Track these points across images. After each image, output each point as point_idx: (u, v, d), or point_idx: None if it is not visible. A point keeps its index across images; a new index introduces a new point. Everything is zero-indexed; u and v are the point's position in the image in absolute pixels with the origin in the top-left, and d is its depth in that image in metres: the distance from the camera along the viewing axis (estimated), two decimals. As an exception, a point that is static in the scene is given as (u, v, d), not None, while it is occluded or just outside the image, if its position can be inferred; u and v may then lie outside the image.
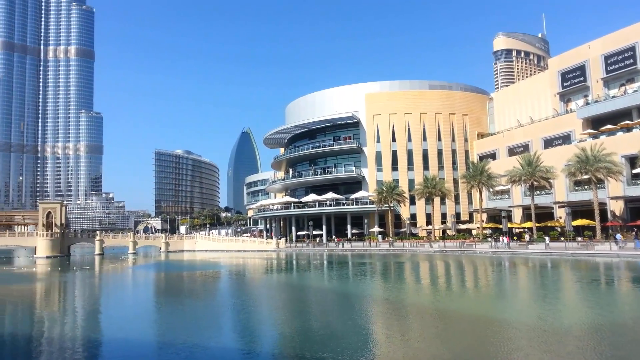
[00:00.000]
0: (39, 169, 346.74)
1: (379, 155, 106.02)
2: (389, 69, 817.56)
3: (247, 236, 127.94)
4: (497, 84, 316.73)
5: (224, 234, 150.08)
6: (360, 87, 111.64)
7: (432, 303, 29.13)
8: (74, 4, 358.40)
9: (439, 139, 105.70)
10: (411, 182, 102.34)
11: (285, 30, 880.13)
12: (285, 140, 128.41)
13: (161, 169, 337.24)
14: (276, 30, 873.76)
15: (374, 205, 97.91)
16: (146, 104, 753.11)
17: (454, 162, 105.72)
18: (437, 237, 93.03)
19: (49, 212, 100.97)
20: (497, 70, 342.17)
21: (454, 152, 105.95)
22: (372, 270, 53.40)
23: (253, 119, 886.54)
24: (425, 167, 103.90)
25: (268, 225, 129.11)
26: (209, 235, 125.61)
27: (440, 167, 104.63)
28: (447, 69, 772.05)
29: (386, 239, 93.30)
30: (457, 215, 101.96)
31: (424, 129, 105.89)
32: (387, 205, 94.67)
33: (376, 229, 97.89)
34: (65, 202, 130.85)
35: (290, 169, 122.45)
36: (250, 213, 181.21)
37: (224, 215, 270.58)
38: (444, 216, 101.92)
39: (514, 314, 24.70)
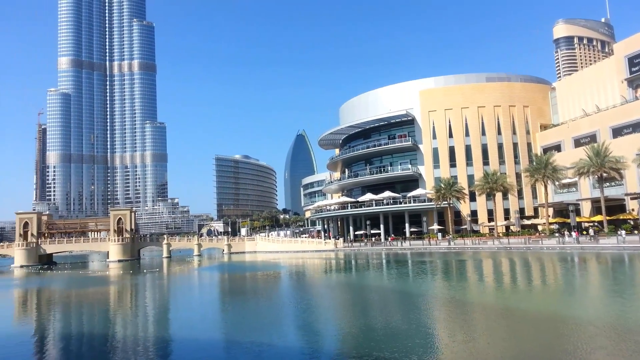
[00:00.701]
0: (109, 178, 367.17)
1: (435, 152, 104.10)
2: (443, 65, 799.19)
3: (305, 237, 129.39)
4: (559, 73, 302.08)
5: (283, 235, 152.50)
6: (414, 84, 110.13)
7: (498, 301, 28.35)
8: (135, 20, 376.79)
9: (499, 133, 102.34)
10: (470, 177, 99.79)
11: (336, 32, 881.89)
12: (340, 141, 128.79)
13: (221, 173, 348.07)
14: (326, 33, 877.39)
15: (432, 203, 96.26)
16: (205, 111, 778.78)
17: (516, 156, 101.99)
18: (500, 234, 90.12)
19: (120, 218, 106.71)
20: (558, 58, 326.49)
21: (515, 145, 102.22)
22: (433, 268, 52.57)
23: (307, 122, 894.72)
24: (485, 162, 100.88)
25: (325, 226, 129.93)
26: (268, 236, 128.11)
27: (501, 161, 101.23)
28: (504, 60, 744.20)
29: (446, 236, 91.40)
30: (521, 210, 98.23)
31: (482, 123, 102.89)
32: (446, 202, 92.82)
33: (435, 226, 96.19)
34: (134, 208, 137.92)
35: (346, 169, 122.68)
36: (307, 214, 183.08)
37: (282, 217, 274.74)
38: (506, 212, 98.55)
39: (591, 311, 23.37)
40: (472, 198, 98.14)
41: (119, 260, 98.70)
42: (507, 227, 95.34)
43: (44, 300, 41.58)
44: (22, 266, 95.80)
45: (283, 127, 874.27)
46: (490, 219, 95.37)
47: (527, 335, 18.85)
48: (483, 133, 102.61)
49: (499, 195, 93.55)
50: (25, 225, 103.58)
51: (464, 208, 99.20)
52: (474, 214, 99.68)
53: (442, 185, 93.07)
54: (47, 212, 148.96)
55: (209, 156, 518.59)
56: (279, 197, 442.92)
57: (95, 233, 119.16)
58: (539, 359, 15.47)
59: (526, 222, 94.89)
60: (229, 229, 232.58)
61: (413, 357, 15.73)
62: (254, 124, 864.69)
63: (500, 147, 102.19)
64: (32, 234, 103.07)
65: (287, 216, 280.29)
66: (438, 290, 34.12)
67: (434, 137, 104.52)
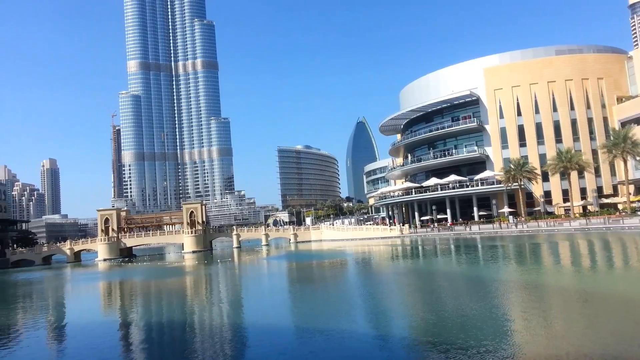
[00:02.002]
0: (179, 174, 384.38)
1: (503, 131, 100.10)
2: (508, 41, 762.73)
3: (369, 224, 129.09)
4: (637, 41, 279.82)
5: (347, 223, 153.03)
6: (477, 62, 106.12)
7: (577, 285, 26.96)
8: (196, 20, 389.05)
9: (572, 108, 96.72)
10: (542, 157, 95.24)
11: (392, 14, 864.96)
12: (402, 126, 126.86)
13: (284, 164, 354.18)
14: (382, 15, 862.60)
15: (501, 185, 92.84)
16: (265, 104, 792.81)
17: (591, 132, 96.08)
18: (576, 215, 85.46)
19: (192, 212, 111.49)
20: (634, 25, 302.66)
21: (590, 120, 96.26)
22: (505, 252, 50.85)
23: (367, 108, 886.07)
24: (558, 139, 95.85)
25: (390, 212, 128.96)
26: (333, 225, 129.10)
27: (575, 138, 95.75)
28: (575, 31, 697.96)
29: (518, 219, 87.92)
30: (599, 189, 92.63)
31: (552, 98, 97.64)
32: (516, 183, 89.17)
33: (506, 209, 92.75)
34: (204, 201, 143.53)
35: (409, 155, 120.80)
36: (371, 201, 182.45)
37: (345, 205, 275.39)
38: (583, 191, 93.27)
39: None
40: (545, 178, 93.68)
41: (193, 251, 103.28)
42: (584, 208, 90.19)
43: (129, 290, 44.42)
44: (105, 259, 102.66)
45: (343, 115, 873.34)
46: (566, 200, 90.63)
47: (608, 321, 17.83)
48: (554, 109, 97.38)
49: (574, 174, 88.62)
50: (106, 221, 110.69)
51: (537, 189, 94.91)
52: (547, 194, 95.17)
53: (512, 166, 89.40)
54: (125, 208, 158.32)
55: (271, 148, 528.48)
56: (342, 186, 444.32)
57: (170, 226, 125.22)
58: (621, 345, 14.61)
59: (605, 201, 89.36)
60: (294, 219, 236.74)
61: (487, 344, 15.37)
62: (314, 114, 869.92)
63: (573, 123, 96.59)
64: (112, 229, 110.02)
65: (351, 204, 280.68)
66: (511, 275, 32.97)
67: (501, 116, 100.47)
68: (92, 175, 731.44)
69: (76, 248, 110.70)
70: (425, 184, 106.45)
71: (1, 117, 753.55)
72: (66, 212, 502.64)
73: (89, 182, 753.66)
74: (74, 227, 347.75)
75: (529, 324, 17.97)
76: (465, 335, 16.58)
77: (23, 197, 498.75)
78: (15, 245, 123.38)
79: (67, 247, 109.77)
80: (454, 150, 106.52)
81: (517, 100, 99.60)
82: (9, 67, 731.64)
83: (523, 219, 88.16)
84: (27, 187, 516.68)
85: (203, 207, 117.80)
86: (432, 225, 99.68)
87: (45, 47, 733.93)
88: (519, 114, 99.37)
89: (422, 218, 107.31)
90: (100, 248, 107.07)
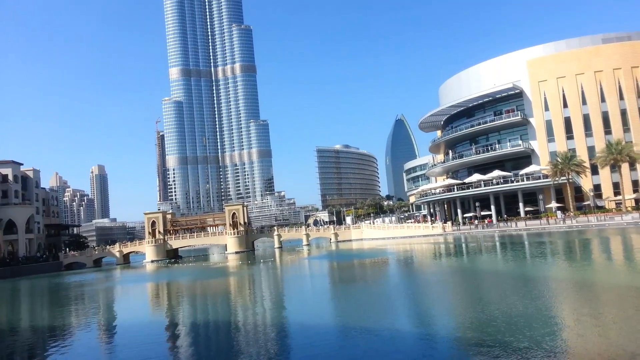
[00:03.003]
0: (221, 176, 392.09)
1: (549, 124, 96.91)
2: (551, 31, 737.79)
3: (410, 222, 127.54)
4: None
5: (388, 221, 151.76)
6: (519, 54, 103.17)
7: (631, 283, 25.70)
8: (234, 25, 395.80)
9: (621, 98, 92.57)
10: (591, 149, 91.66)
11: (429, 10, 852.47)
12: (442, 122, 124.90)
13: (323, 164, 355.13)
14: (419, 11, 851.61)
15: (548, 179, 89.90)
16: (303, 105, 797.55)
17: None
18: (628, 208, 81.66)
19: (234, 213, 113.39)
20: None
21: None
22: (554, 249, 49.11)
23: (406, 106, 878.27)
24: (607, 131, 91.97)
25: (432, 210, 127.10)
26: (373, 224, 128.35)
27: (626, 129, 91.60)
28: (621, 19, 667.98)
29: (566, 214, 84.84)
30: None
31: (600, 89, 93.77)
32: (564, 177, 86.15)
33: (553, 204, 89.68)
34: (245, 203, 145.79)
35: (450, 151, 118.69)
36: (412, 199, 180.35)
37: (385, 203, 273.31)
38: (635, 184, 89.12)
39: None
40: (594, 171, 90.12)
41: (236, 252, 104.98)
42: (637, 201, 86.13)
43: (177, 290, 45.61)
44: (152, 261, 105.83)
45: (381, 114, 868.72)
46: (617, 193, 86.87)
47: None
48: (602, 100, 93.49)
49: (625, 166, 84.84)
50: (153, 224, 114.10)
51: (586, 183, 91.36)
52: (597, 188, 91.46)
53: (559, 160, 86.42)
54: (171, 211, 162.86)
55: (310, 148, 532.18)
56: (382, 184, 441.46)
57: (213, 228, 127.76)
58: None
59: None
60: (334, 218, 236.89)
61: (536, 344, 14.87)
62: (352, 113, 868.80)
63: (623, 113, 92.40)
64: (159, 232, 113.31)
65: (391, 202, 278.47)
66: (561, 273, 31.80)
67: (546, 108, 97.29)
68: (139, 179, 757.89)
69: (125, 250, 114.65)
70: (467, 180, 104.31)
71: (52, 125, 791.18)
72: (115, 216, 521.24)
73: (135, 186, 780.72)
74: (122, 230, 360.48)
75: (580, 324, 17.28)
76: (513, 335, 16.11)
77: (74, 203, 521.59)
78: (67, 249, 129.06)
79: (116, 249, 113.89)
80: (497, 145, 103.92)
81: (563, 91, 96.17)
82: (58, 77, 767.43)
83: (572, 214, 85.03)
84: (78, 193, 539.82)
85: (244, 208, 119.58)
86: (475, 222, 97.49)
87: (92, 57, 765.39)
88: (565, 105, 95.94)
89: (465, 215, 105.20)
90: (147, 250, 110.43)
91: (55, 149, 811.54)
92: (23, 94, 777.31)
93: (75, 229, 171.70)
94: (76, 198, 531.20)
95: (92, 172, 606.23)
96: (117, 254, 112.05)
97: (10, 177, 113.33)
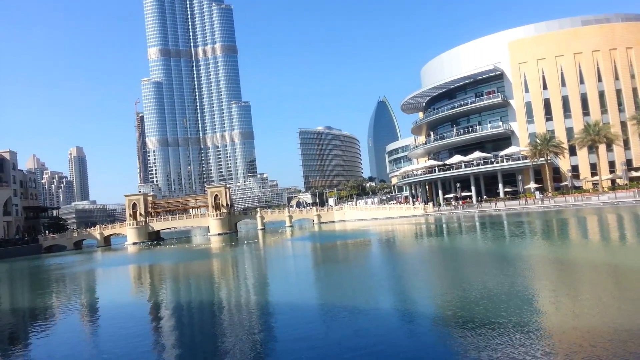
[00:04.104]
0: (203, 158, 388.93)
1: (528, 106, 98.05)
2: (531, 13, 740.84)
3: (392, 203, 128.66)
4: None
5: (370, 203, 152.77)
6: (500, 35, 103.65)
7: (606, 260, 26.49)
8: (214, 4, 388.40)
9: (599, 80, 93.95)
10: (569, 130, 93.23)
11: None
12: (424, 104, 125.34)
13: (305, 146, 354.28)
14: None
15: (527, 161, 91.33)
16: (285, 87, 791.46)
17: (620, 104, 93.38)
18: (605, 189, 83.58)
19: (216, 195, 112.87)
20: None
21: (618, 92, 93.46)
22: (532, 229, 50.21)
23: (388, 88, 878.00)
24: (585, 112, 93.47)
25: (413, 191, 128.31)
26: (356, 205, 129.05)
27: (603, 110, 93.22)
28: (601, 1, 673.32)
29: (545, 194, 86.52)
30: (628, 162, 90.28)
31: (579, 71, 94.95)
32: (542, 158, 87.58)
33: (532, 185, 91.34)
34: (227, 185, 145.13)
35: (431, 132, 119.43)
36: (394, 180, 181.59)
37: (368, 185, 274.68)
38: (611, 165, 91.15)
39: None
40: (572, 152, 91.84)
41: (219, 234, 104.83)
42: (613, 181, 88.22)
43: (160, 272, 45.49)
44: (134, 243, 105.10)
45: (364, 96, 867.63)
46: (594, 174, 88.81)
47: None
48: (581, 82, 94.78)
49: (602, 148, 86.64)
50: (134, 206, 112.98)
51: (564, 164, 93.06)
52: (574, 169, 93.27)
53: (538, 141, 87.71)
54: (152, 193, 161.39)
55: (292, 130, 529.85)
56: (364, 166, 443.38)
57: (196, 210, 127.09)
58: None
59: (635, 174, 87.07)
60: (317, 200, 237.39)
61: (515, 320, 15.29)
62: (334, 95, 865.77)
63: (601, 95, 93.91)
64: (140, 214, 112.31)
65: (374, 184, 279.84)
66: (538, 251, 32.57)
67: (526, 90, 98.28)
68: (118, 161, 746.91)
69: (106, 233, 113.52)
70: (448, 161, 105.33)
71: (28, 107, 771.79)
72: (94, 198, 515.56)
73: (115, 168, 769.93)
74: (102, 213, 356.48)
75: (558, 300, 17.80)
76: (493, 312, 16.53)
77: (52, 185, 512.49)
78: (47, 232, 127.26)
79: (97, 232, 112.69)
80: (478, 127, 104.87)
81: (543, 73, 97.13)
82: (32, 59, 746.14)
83: (550, 194, 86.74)
84: (56, 175, 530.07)
85: (227, 190, 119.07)
86: (455, 203, 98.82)
87: (68, 37, 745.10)
88: (545, 87, 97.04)
89: (445, 196, 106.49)
90: (129, 232, 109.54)
91: (32, 131, 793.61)
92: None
93: (54, 211, 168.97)
94: (55, 180, 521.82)
95: (70, 154, 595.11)
96: (98, 237, 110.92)
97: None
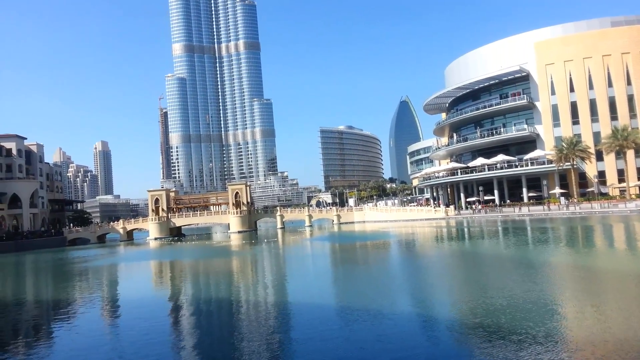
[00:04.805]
0: (224, 155, 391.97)
1: (555, 108, 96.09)
2: (559, 14, 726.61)
3: (413, 205, 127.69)
4: None
5: (390, 204, 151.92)
6: (527, 36, 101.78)
7: (633, 270, 25.74)
8: (238, 0, 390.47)
9: (629, 83, 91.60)
10: (596, 135, 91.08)
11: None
12: (447, 105, 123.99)
13: (326, 145, 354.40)
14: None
15: (552, 165, 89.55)
16: (308, 85, 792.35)
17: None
18: (632, 196, 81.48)
19: (237, 192, 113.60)
20: None
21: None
22: (556, 235, 49.20)
23: (411, 87, 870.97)
24: (613, 116, 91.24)
25: (434, 193, 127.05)
26: (376, 206, 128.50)
27: (632, 115, 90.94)
28: (632, 2, 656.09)
29: (570, 200, 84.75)
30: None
31: (608, 73, 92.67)
32: (568, 163, 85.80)
33: (557, 190, 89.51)
34: (248, 182, 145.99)
35: (454, 134, 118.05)
36: (415, 182, 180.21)
37: (388, 186, 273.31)
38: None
39: None
40: (599, 158, 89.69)
41: (239, 231, 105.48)
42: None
43: (181, 268, 45.99)
44: (156, 238, 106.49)
45: (386, 95, 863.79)
46: (621, 180, 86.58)
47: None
48: (610, 85, 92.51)
49: (630, 153, 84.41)
50: (156, 201, 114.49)
51: (590, 169, 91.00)
52: (601, 175, 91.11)
53: (564, 145, 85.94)
54: (174, 189, 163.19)
55: (314, 129, 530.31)
56: (385, 166, 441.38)
57: (216, 207, 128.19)
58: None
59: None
60: (337, 200, 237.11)
61: (536, 328, 14.94)
62: (356, 94, 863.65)
63: (630, 99, 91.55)
64: (162, 209, 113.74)
65: (394, 185, 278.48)
66: (562, 258, 31.87)
67: (553, 92, 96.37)
68: (142, 156, 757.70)
69: (129, 227, 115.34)
70: (471, 164, 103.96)
71: (55, 101, 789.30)
72: (118, 192, 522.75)
73: (139, 163, 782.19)
74: (125, 207, 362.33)
75: (584, 310, 17.34)
76: (518, 321, 16.18)
77: (77, 179, 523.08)
78: (71, 225, 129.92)
79: (120, 226, 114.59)
80: (502, 129, 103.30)
81: (570, 75, 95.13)
82: (60, 53, 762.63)
83: (575, 200, 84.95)
84: (81, 169, 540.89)
85: (247, 188, 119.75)
86: (478, 207, 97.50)
87: (95, 32, 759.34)
88: (572, 90, 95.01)
89: (468, 199, 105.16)
90: (151, 227, 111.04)
91: (58, 124, 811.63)
92: (27, 69, 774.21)
93: (79, 204, 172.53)
94: (80, 174, 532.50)
95: (95, 149, 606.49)
96: (121, 231, 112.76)
97: (14, 151, 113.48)
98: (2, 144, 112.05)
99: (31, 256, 75.75)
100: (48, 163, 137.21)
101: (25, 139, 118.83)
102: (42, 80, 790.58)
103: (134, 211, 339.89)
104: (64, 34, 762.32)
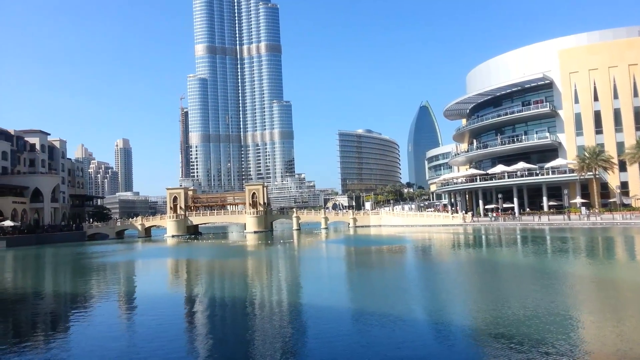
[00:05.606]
0: (242, 156, 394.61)
1: (578, 117, 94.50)
2: (584, 21, 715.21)
3: (430, 211, 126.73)
4: None
5: (407, 209, 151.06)
6: (551, 43, 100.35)
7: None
8: (261, 3, 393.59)
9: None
10: (620, 145, 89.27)
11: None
12: (467, 111, 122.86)
13: (344, 148, 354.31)
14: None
15: (574, 174, 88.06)
16: (327, 88, 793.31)
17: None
18: (657, 208, 79.58)
19: (254, 193, 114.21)
20: None
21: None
22: (576, 245, 48.29)
23: (431, 92, 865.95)
24: (638, 127, 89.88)
25: (452, 200, 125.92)
26: (393, 210, 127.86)
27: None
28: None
29: (591, 210, 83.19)
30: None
31: (634, 83, 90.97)
32: (590, 173, 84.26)
33: (578, 200, 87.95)
34: (265, 183, 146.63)
35: (474, 140, 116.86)
36: (432, 187, 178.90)
37: (406, 190, 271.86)
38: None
39: None
40: (622, 168, 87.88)
41: (255, 232, 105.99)
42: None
43: (197, 265, 46.37)
44: (173, 236, 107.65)
45: (405, 100, 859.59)
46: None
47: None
48: (635, 94, 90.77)
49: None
50: (175, 199, 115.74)
51: (613, 179, 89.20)
52: (624, 185, 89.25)
53: (587, 154, 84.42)
54: (192, 188, 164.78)
55: (332, 132, 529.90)
56: (403, 171, 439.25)
57: (233, 206, 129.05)
58: None
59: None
60: (353, 203, 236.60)
61: (552, 340, 14.65)
62: (376, 98, 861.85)
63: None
64: (180, 207, 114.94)
65: (411, 190, 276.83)
66: (582, 270, 31.27)
67: (576, 101, 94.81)
68: (162, 155, 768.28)
69: (147, 224, 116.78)
70: (491, 171, 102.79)
71: (78, 98, 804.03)
72: (137, 189, 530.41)
73: (158, 161, 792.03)
74: (144, 204, 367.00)
75: (598, 322, 16.98)
76: (528, 330, 15.92)
77: (98, 175, 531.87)
78: (91, 220, 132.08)
79: (138, 222, 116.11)
80: (523, 137, 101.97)
81: (594, 84, 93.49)
82: (84, 51, 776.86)
83: (597, 210, 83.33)
84: (102, 165, 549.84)
85: (264, 188, 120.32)
86: (496, 214, 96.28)
87: (119, 31, 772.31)
88: (596, 98, 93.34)
89: (486, 206, 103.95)
90: (169, 225, 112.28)
91: (82, 121, 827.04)
92: (53, 66, 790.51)
93: (99, 200, 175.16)
94: (101, 170, 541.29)
95: (116, 146, 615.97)
96: (140, 227, 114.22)
97: (37, 147, 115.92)
98: (26, 139, 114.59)
99: (51, 249, 77.20)
100: (70, 159, 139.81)
101: (49, 134, 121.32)
102: (67, 78, 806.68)
103: (152, 208, 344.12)
104: (90, 33, 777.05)
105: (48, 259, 63.34)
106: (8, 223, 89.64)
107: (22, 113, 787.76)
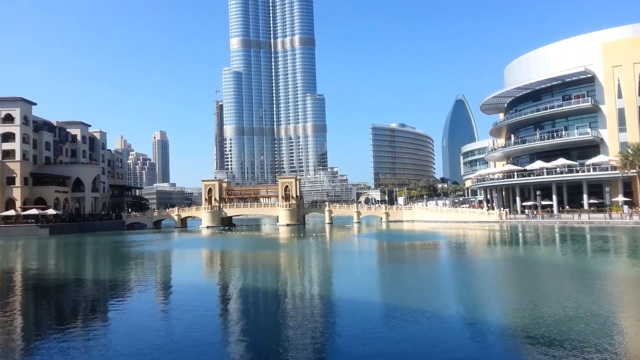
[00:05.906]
0: (275, 149, 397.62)
1: (621, 112, 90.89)
2: (628, 13, 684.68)
3: (465, 207, 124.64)
4: None
5: (441, 204, 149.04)
6: (593, 36, 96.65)
7: None
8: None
9: None
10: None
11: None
12: (505, 105, 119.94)
13: (378, 142, 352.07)
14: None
15: (616, 171, 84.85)
16: (361, 81, 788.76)
17: None
18: None
19: (286, 186, 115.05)
20: None
21: None
22: (618, 245, 46.61)
23: (467, 86, 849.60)
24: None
25: (488, 196, 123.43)
26: (426, 205, 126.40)
27: None
28: None
29: (634, 209, 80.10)
30: None
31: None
32: (634, 170, 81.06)
33: (620, 198, 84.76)
34: (298, 176, 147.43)
35: (512, 135, 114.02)
36: (467, 183, 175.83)
37: (440, 186, 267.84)
38: None
39: None
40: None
41: (287, 225, 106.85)
42: None
43: (231, 256, 47.15)
44: (208, 227, 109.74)
45: (440, 93, 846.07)
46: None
47: None
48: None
49: None
50: (209, 191, 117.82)
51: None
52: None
53: (630, 151, 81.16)
54: (226, 180, 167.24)
55: (365, 126, 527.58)
56: (437, 166, 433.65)
57: (266, 199, 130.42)
58: None
59: None
60: (386, 198, 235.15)
61: (591, 341, 14.20)
62: (410, 92, 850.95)
63: None
64: (215, 199, 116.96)
65: (446, 185, 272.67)
66: (623, 270, 30.15)
67: (620, 96, 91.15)
68: (197, 147, 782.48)
69: (183, 215, 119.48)
70: (529, 167, 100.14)
71: (118, 90, 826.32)
72: (174, 181, 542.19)
73: (194, 153, 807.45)
74: (180, 195, 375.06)
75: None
76: (569, 331, 15.47)
77: (137, 166, 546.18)
78: (129, 210, 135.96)
79: (175, 213, 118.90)
80: (563, 132, 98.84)
81: (639, 78, 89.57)
82: (125, 45, 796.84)
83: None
84: (141, 157, 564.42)
85: (297, 182, 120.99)
86: (535, 212, 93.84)
87: (158, 27, 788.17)
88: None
89: (524, 203, 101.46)
90: (204, 216, 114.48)
91: (121, 113, 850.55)
92: (96, 60, 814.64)
93: (137, 190, 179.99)
94: (139, 161, 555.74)
95: (154, 138, 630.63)
96: (176, 218, 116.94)
97: (79, 138, 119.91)
98: (68, 130, 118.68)
99: (91, 238, 79.95)
100: (110, 150, 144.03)
101: (90, 126, 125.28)
102: (107, 72, 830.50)
103: (188, 199, 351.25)
104: (130, 29, 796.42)
105: (89, 247, 65.63)
106: (51, 211, 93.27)
107: (65, 106, 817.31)
